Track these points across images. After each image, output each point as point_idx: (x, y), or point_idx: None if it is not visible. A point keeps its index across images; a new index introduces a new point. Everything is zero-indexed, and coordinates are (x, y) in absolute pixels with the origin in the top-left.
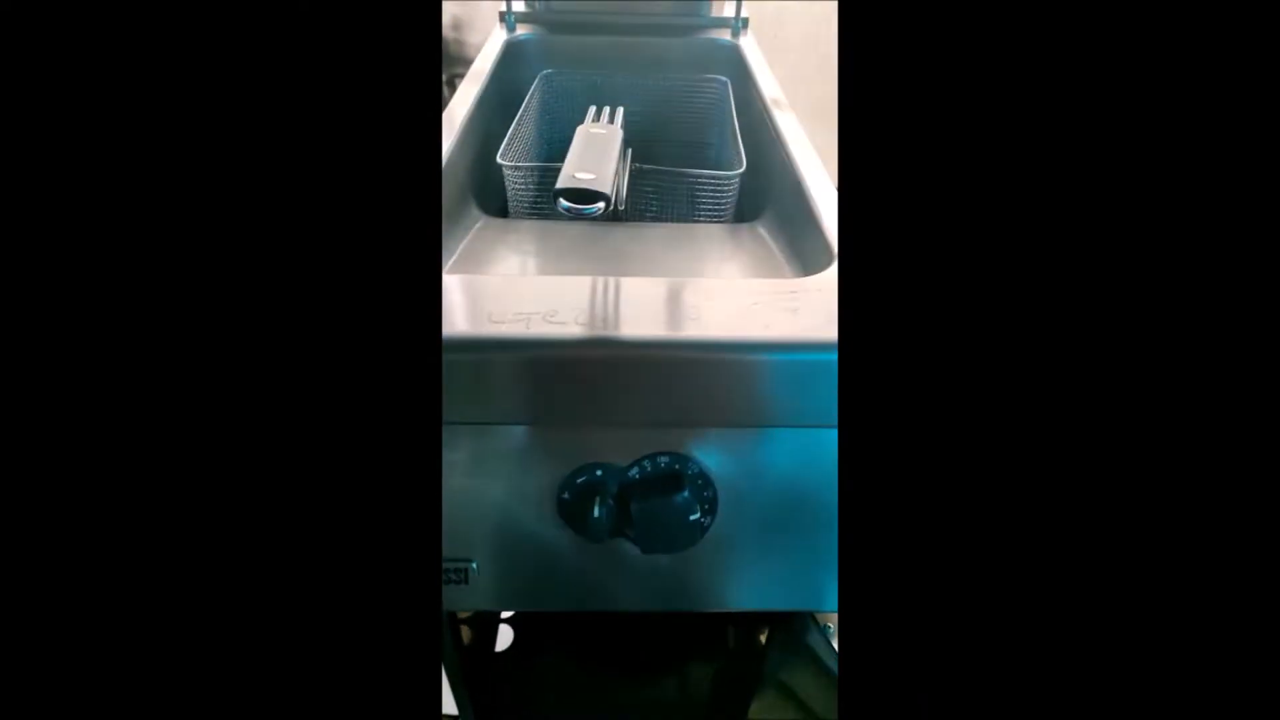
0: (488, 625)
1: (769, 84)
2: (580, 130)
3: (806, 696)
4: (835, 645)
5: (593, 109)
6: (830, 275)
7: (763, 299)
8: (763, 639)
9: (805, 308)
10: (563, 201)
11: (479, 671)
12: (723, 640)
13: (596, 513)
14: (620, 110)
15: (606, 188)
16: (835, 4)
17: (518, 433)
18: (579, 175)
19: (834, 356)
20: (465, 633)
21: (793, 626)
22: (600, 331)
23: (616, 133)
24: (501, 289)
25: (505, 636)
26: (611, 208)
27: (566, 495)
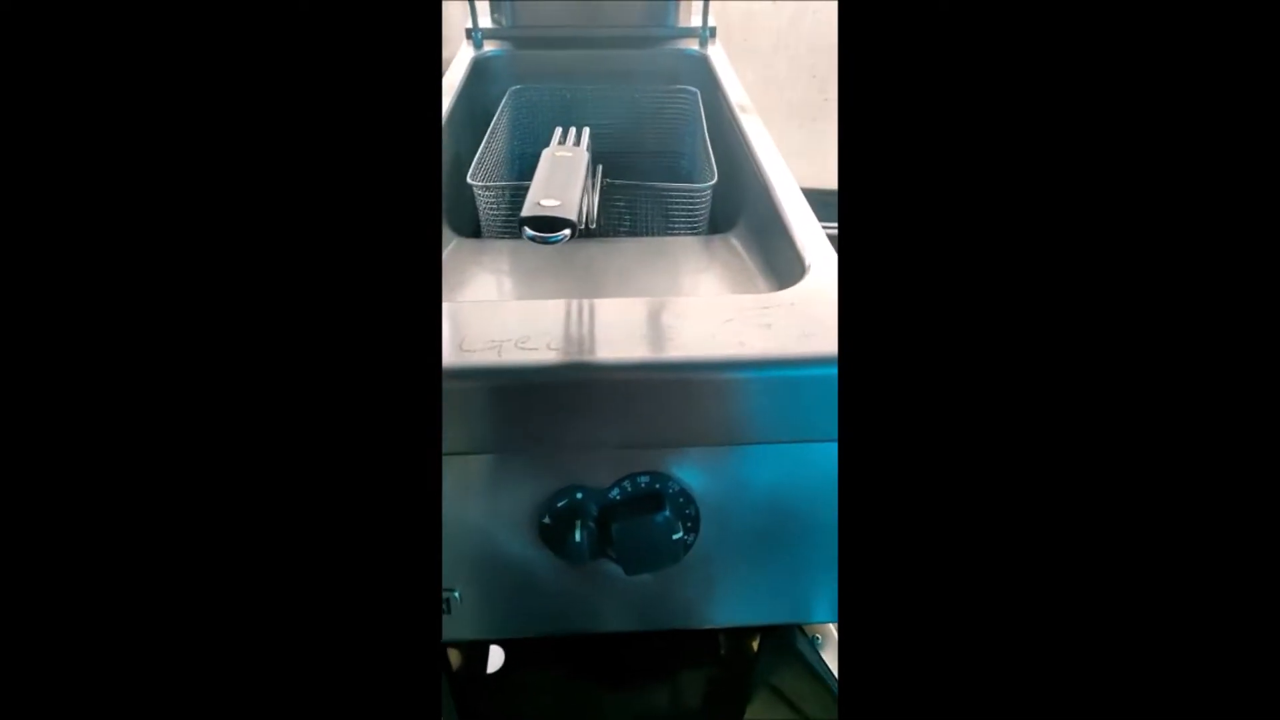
0: (479, 647)
1: (736, 92)
2: (545, 154)
3: (799, 700)
4: (823, 656)
5: (558, 130)
6: (802, 288)
7: (736, 316)
8: (754, 646)
9: (779, 323)
10: (528, 230)
11: (471, 695)
12: (714, 648)
13: (577, 536)
14: (586, 130)
15: (572, 214)
16: (802, 6)
17: (495, 460)
18: (544, 203)
19: (809, 371)
20: (455, 657)
21: (782, 633)
22: (573, 356)
23: (582, 155)
24: (473, 316)
25: (496, 657)
26: (579, 230)
27: (547, 519)
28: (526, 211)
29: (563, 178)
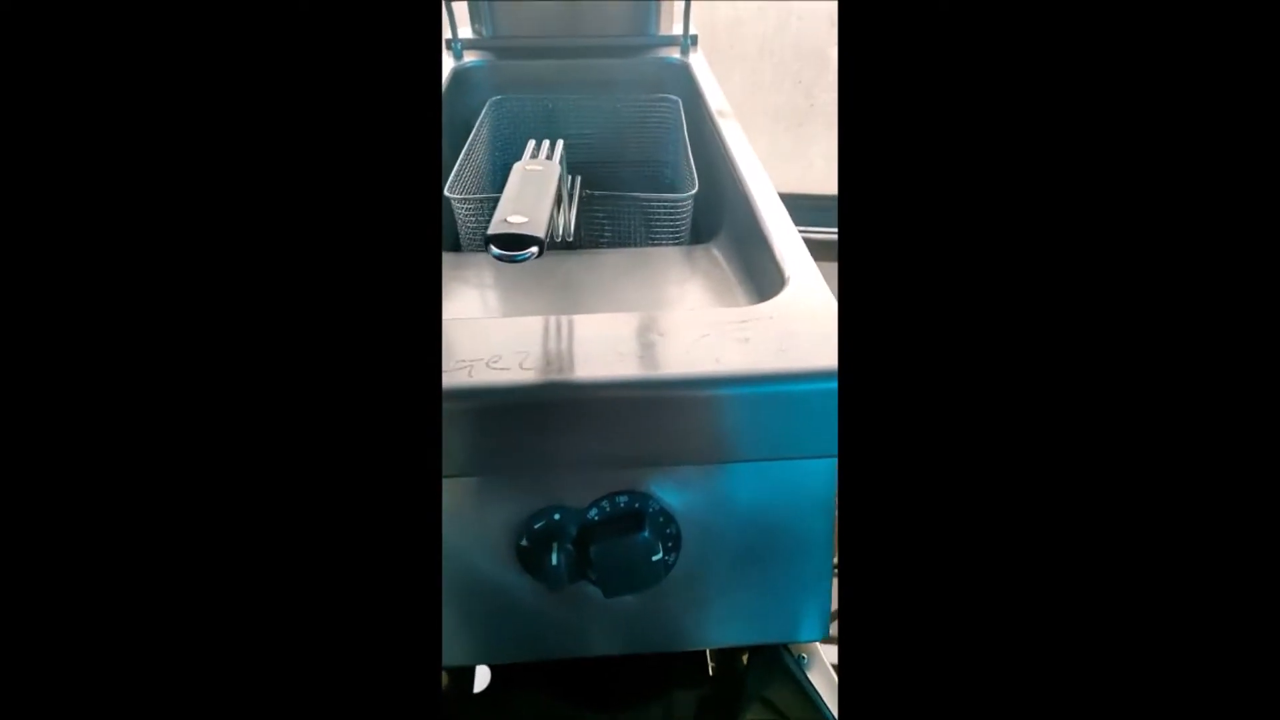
0: (464, 667)
1: (717, 99)
2: (516, 168)
3: (789, 711)
4: (809, 675)
5: (531, 143)
6: (780, 301)
7: (712, 331)
8: (744, 660)
9: (756, 337)
10: (493, 249)
11: (457, 715)
12: (703, 666)
13: (554, 559)
14: (560, 143)
15: (540, 231)
16: (787, 11)
17: (470, 483)
18: (511, 219)
19: (786, 387)
20: (442, 678)
21: (770, 648)
22: (544, 375)
23: (554, 169)
24: (445, 334)
25: (483, 676)
26: (552, 245)
27: (525, 542)
28: (493, 229)
29: (533, 193)
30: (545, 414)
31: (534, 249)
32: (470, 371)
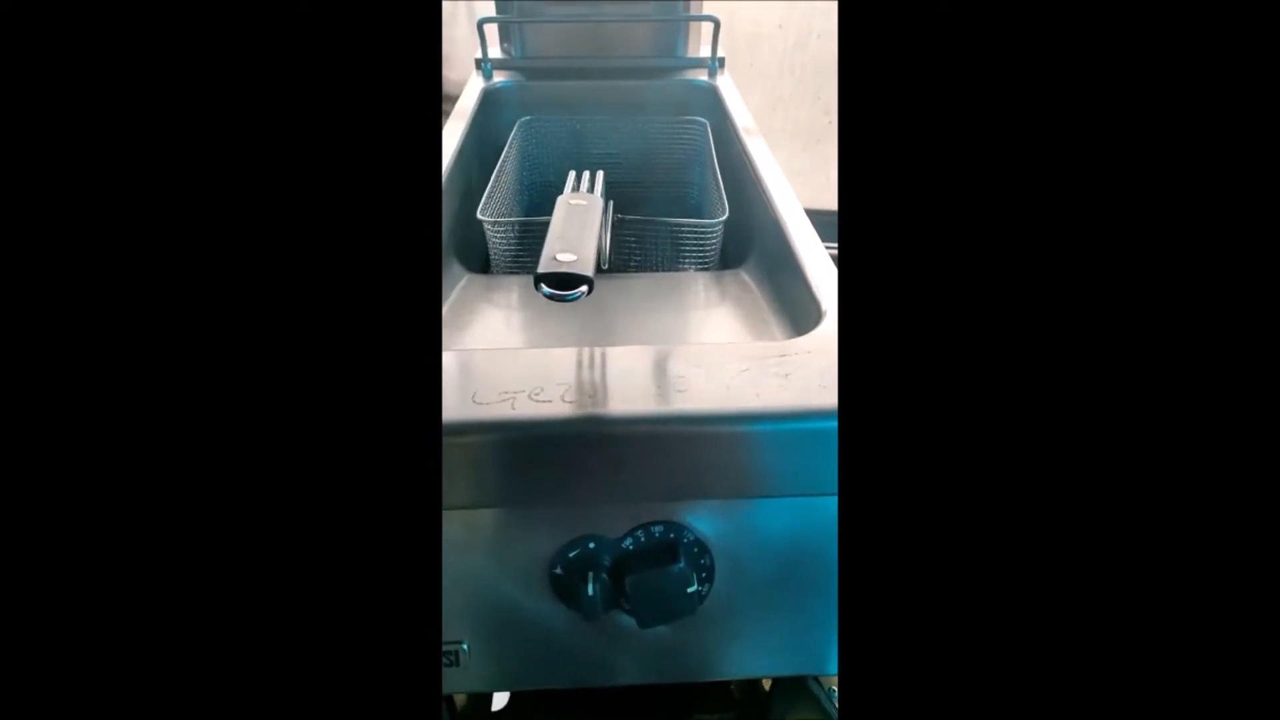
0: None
1: (745, 122)
2: (560, 202)
3: None
4: (835, 703)
5: (572, 175)
6: (819, 335)
7: (752, 365)
8: (766, 685)
9: (796, 372)
10: (544, 288)
11: None
12: (726, 690)
13: (590, 590)
14: (600, 175)
15: (589, 269)
16: (807, 29)
17: (505, 512)
18: (560, 257)
19: (827, 424)
20: (460, 697)
21: (794, 677)
22: (587, 409)
23: (597, 202)
24: (485, 365)
25: (501, 697)
26: (595, 272)
27: (559, 570)
28: (543, 268)
29: (578, 227)
30: (587, 447)
31: (584, 288)
32: (513, 404)
